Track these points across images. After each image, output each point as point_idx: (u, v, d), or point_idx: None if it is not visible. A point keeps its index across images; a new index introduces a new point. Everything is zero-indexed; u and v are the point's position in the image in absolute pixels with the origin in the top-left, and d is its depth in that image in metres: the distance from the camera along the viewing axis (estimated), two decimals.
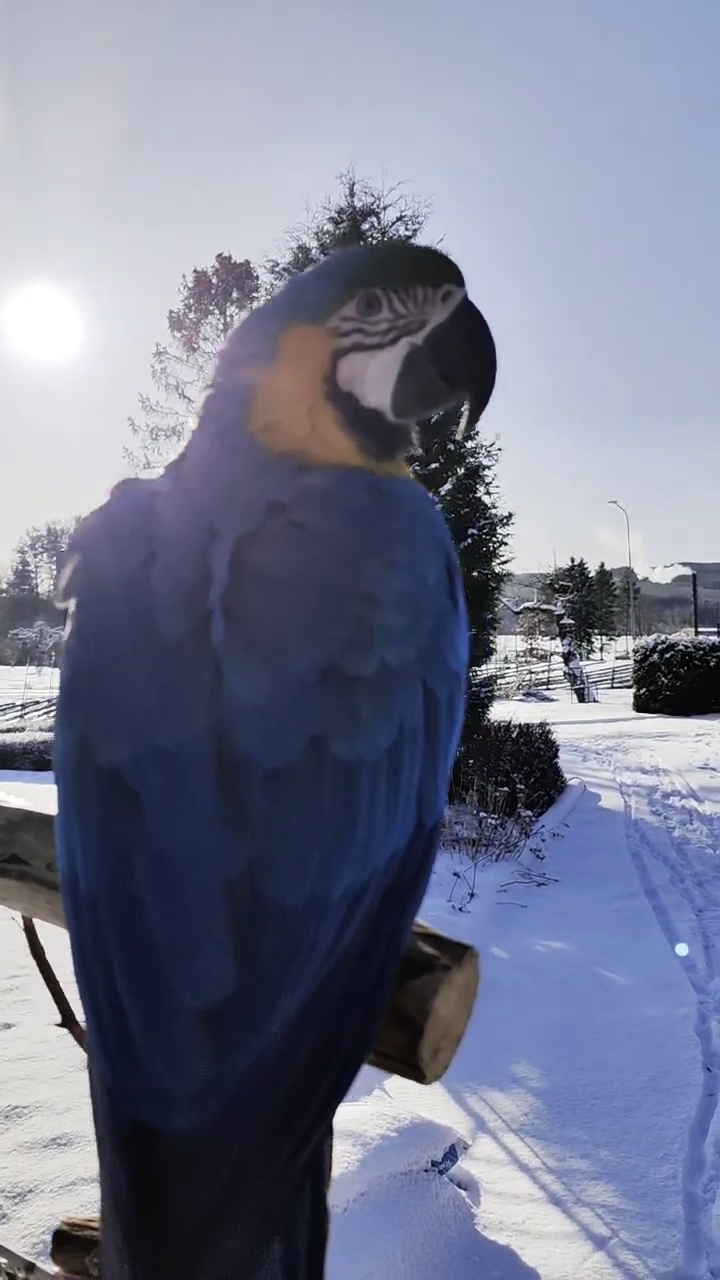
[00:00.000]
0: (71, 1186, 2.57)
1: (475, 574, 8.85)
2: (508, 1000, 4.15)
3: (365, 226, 9.29)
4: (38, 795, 1.07)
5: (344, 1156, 2.47)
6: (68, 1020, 1.03)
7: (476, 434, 9.47)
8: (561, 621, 27.23)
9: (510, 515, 9.35)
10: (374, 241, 7.96)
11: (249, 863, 0.56)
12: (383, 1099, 3.16)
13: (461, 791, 7.50)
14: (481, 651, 9.20)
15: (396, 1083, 3.27)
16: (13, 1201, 2.51)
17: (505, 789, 7.40)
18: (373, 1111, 2.76)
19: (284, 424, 0.70)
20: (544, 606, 30.06)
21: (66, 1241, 0.96)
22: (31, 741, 12.88)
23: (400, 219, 9.31)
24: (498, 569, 9.34)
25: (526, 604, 30.25)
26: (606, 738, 14.20)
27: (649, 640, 19.65)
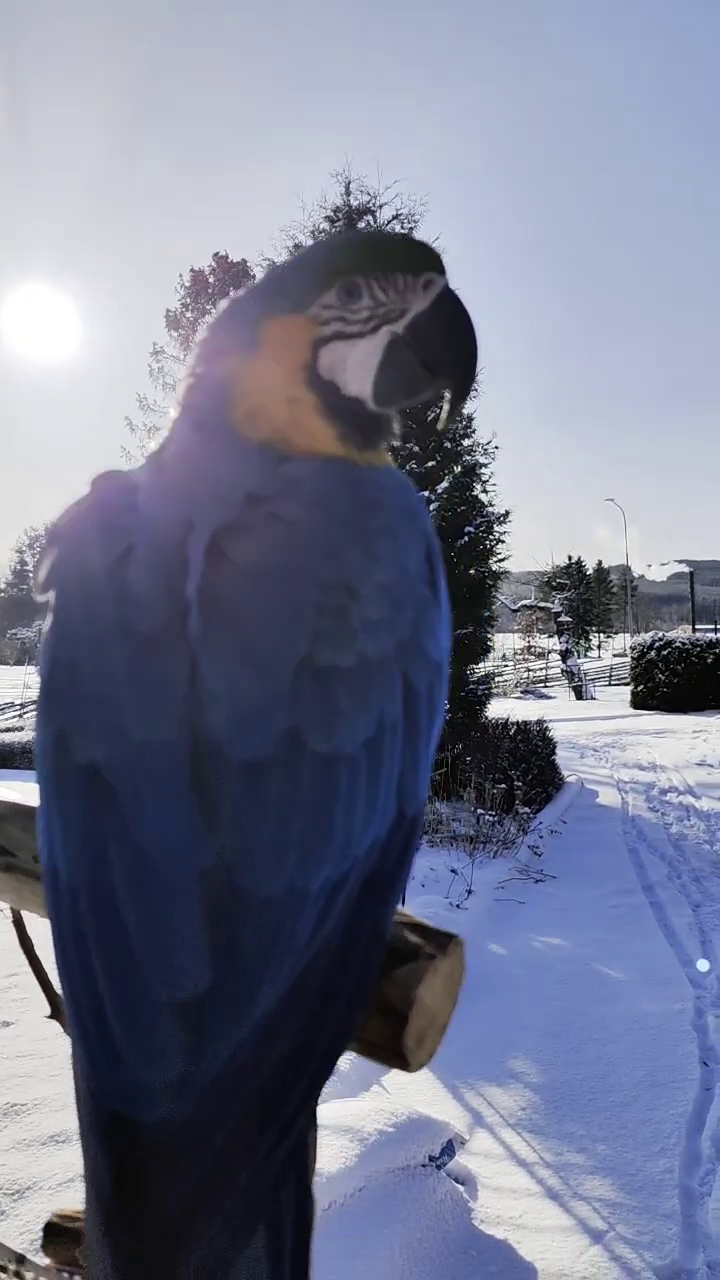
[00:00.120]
0: (70, 1183, 2.58)
1: (473, 572, 8.86)
2: (505, 996, 4.15)
3: (361, 225, 9.25)
4: (33, 793, 1.06)
5: (341, 1152, 2.47)
6: (56, 1011, 1.03)
7: (473, 431, 9.48)
8: (559, 619, 27.26)
9: (508, 513, 9.37)
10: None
11: (225, 855, 0.56)
12: (380, 1094, 3.17)
13: (459, 788, 7.50)
14: (479, 649, 9.20)
15: (394, 1078, 3.27)
16: (11, 1198, 2.51)
17: (503, 786, 7.40)
18: (370, 1107, 2.77)
19: (264, 413, 0.69)
20: (542, 604, 30.10)
21: (57, 1234, 0.97)
22: (31, 740, 12.87)
23: (396, 217, 9.27)
24: (495, 567, 9.34)
25: (524, 602, 30.31)
26: (604, 735, 14.21)
27: (646, 637, 19.64)
